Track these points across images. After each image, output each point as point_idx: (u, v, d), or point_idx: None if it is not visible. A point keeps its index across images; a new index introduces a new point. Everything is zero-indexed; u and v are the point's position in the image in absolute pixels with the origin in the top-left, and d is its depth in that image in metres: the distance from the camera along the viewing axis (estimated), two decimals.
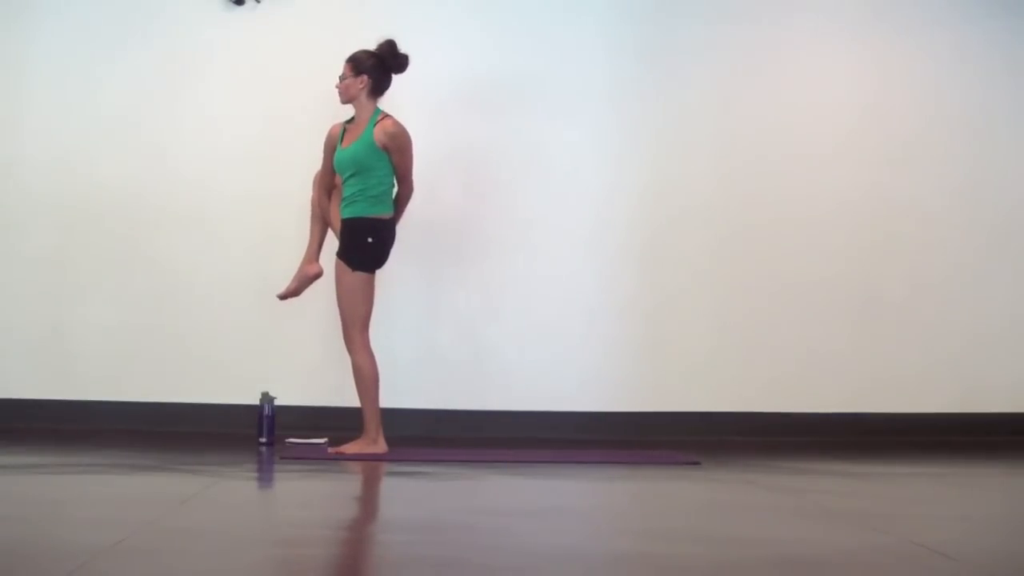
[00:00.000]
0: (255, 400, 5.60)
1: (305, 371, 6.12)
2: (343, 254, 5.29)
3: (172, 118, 6.23)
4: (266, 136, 6.20)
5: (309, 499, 4.28)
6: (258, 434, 5.55)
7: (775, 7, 6.44)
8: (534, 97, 6.33)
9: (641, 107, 6.37)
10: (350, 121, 5.41)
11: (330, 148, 5.41)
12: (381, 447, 5.28)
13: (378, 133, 5.27)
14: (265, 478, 4.85)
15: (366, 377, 5.27)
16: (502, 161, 6.32)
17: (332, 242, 5.47)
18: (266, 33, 6.25)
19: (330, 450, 5.32)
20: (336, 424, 5.74)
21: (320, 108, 5.67)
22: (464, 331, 6.28)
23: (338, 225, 5.37)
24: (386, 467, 5.01)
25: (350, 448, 5.28)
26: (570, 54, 6.34)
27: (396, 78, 5.40)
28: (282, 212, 6.02)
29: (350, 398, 5.38)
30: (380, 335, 5.43)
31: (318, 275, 5.49)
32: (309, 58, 6.12)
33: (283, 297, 5.54)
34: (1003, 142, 6.47)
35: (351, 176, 5.29)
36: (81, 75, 6.22)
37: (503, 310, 6.29)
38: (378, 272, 5.33)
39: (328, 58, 5.57)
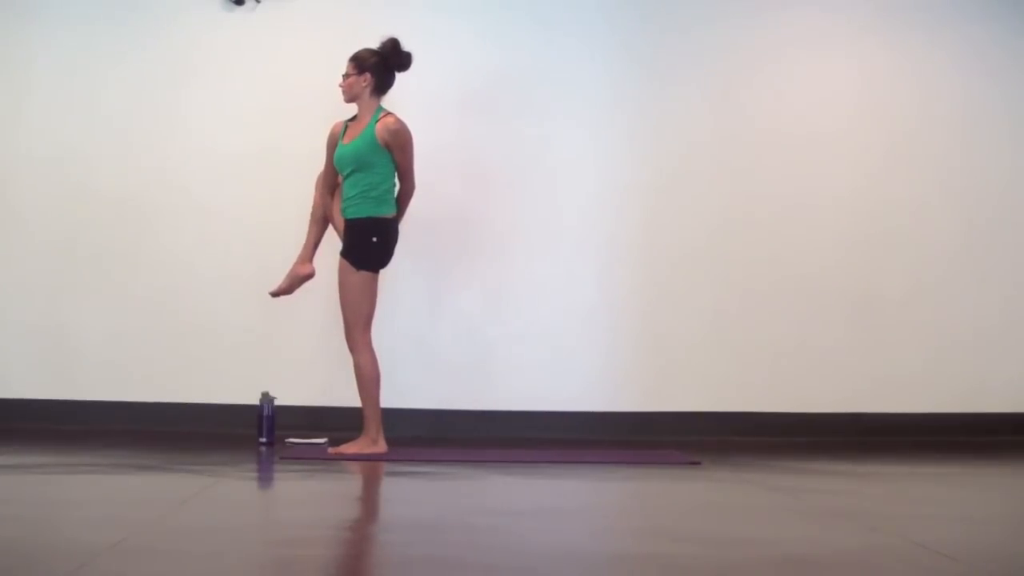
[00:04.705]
0: (255, 400, 5.61)
1: (305, 371, 6.11)
2: (347, 254, 5.29)
3: (173, 118, 6.24)
4: (266, 136, 6.21)
5: (309, 499, 4.27)
6: (258, 434, 5.56)
7: (774, 7, 6.44)
8: (534, 97, 6.33)
9: (641, 107, 6.37)
10: (352, 119, 5.41)
11: (331, 146, 5.41)
12: (381, 447, 5.28)
13: (380, 130, 5.27)
14: (265, 478, 4.84)
15: (367, 377, 5.26)
16: (503, 161, 6.32)
17: (329, 243, 5.46)
18: (266, 33, 6.25)
19: (330, 450, 5.32)
20: (336, 424, 5.75)
21: (320, 107, 5.67)
22: (465, 331, 6.27)
23: (341, 225, 5.37)
24: (386, 467, 5.01)
25: (350, 448, 5.28)
26: (570, 54, 6.34)
27: (399, 77, 5.40)
28: (283, 212, 6.02)
29: (350, 398, 5.38)
30: (381, 335, 5.43)
31: (310, 276, 5.48)
32: (309, 58, 6.13)
33: (275, 295, 5.54)
34: (1002, 141, 6.46)
35: (351, 173, 5.29)
36: (82, 75, 6.23)
37: (504, 310, 6.28)
38: (380, 272, 5.33)
39: (328, 57, 5.58)
